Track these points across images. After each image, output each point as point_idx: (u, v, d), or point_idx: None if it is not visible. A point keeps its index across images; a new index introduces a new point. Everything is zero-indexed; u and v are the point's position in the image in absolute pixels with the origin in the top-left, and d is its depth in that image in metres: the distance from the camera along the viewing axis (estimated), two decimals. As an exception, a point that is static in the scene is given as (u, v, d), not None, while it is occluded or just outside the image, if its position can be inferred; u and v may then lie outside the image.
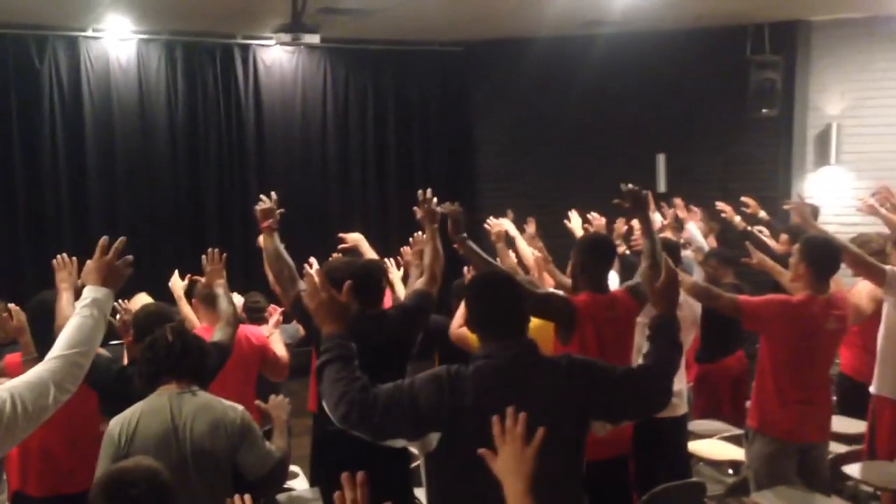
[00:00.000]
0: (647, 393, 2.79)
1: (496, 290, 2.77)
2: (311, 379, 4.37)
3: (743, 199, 6.65)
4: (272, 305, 5.27)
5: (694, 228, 6.64)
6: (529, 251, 5.63)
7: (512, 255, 5.49)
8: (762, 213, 6.64)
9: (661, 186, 9.05)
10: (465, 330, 4.07)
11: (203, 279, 4.54)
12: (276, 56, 9.51)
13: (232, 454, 3.10)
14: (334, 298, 2.64)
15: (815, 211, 6.10)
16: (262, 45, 9.36)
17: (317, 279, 2.69)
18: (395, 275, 5.41)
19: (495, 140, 10.17)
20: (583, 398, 2.64)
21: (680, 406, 4.62)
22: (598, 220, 6.00)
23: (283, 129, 9.60)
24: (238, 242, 8.66)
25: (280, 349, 4.88)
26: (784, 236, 6.01)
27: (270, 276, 4.87)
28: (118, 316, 4.05)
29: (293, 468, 4.35)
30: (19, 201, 8.41)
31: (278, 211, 4.16)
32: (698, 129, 9.29)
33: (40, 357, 2.63)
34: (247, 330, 4.68)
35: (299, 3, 6.56)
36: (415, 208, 4.35)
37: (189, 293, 5.05)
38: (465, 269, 4.77)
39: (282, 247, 4.07)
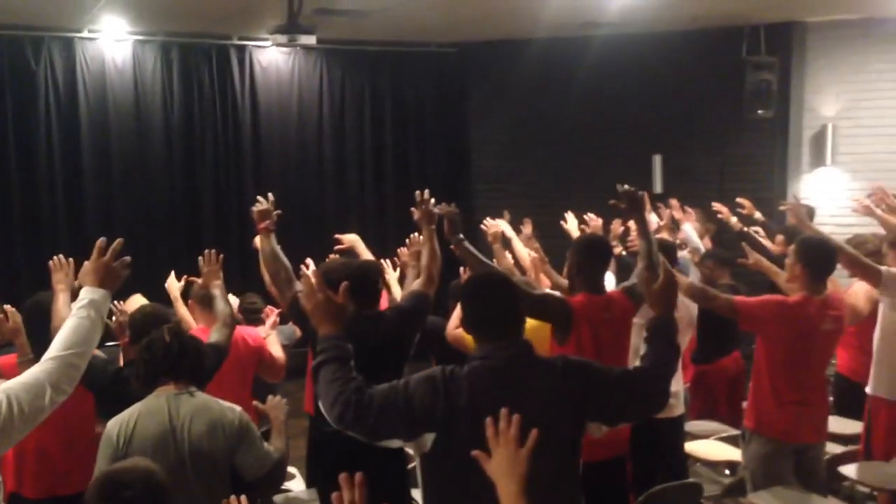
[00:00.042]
0: (645, 395, 2.79)
1: (491, 291, 2.77)
2: (307, 380, 4.37)
3: (738, 200, 6.66)
4: (269, 307, 5.27)
5: (690, 229, 6.64)
6: (526, 252, 5.63)
7: (508, 255, 5.49)
8: (757, 214, 6.65)
9: (658, 187, 9.06)
10: (461, 331, 4.07)
11: (199, 280, 4.54)
12: (272, 57, 9.50)
13: (230, 455, 3.10)
14: (331, 300, 2.64)
15: (810, 212, 6.09)
16: (259, 47, 9.35)
17: (313, 280, 2.69)
18: (392, 276, 5.41)
19: (492, 141, 10.17)
20: (578, 399, 2.64)
21: (677, 407, 4.62)
22: (594, 221, 6.01)
23: (280, 131, 9.59)
24: (234, 243, 8.65)
25: (277, 350, 4.88)
26: (780, 237, 6.02)
27: (266, 277, 4.87)
28: (114, 317, 4.05)
29: (290, 469, 4.34)
30: (15, 202, 8.40)
31: (275, 212, 4.16)
32: (694, 130, 9.31)
33: (36, 358, 2.62)
34: (243, 331, 4.67)
35: (295, 4, 6.55)
36: (412, 209, 4.35)
37: (185, 294, 5.05)
38: (462, 269, 4.77)
39: (278, 248, 4.07)
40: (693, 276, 5.75)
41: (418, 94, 10.20)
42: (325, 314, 2.64)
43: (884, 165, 8.52)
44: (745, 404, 4.62)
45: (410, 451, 2.95)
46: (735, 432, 5.04)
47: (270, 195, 4.22)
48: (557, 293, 4.46)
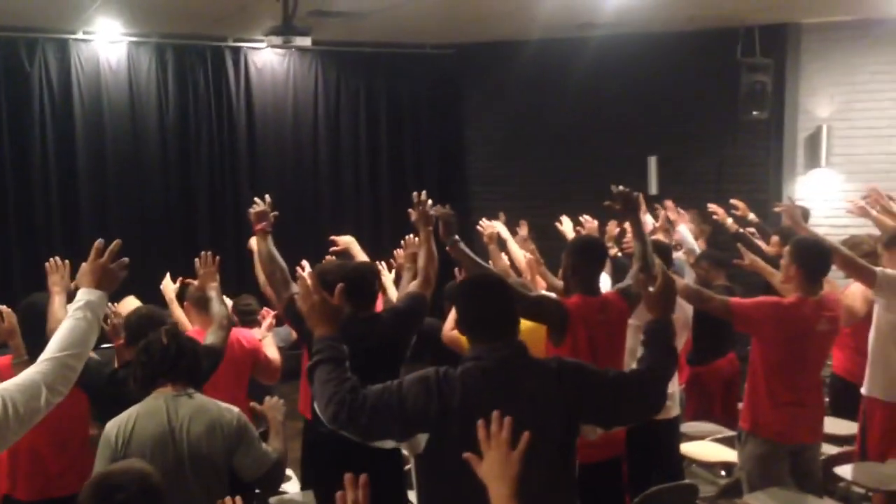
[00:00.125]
0: (641, 398, 2.78)
1: (486, 292, 2.77)
2: (301, 382, 4.37)
3: (732, 201, 6.67)
4: (265, 309, 5.26)
5: (685, 231, 6.65)
6: (521, 253, 5.63)
7: (504, 257, 5.50)
8: (751, 216, 6.66)
9: (653, 188, 9.07)
10: (457, 332, 4.07)
11: (195, 282, 4.53)
12: (267, 58, 9.49)
13: (228, 456, 3.10)
14: (326, 301, 2.65)
15: (805, 213, 6.11)
16: (253, 48, 9.35)
17: (309, 282, 2.69)
18: (387, 277, 5.41)
19: (487, 142, 10.17)
20: (573, 401, 2.64)
21: (672, 408, 4.63)
22: (590, 222, 6.01)
23: (275, 132, 9.58)
24: (230, 245, 8.62)
25: (273, 352, 4.87)
26: (775, 238, 6.03)
27: (261, 279, 4.87)
28: (108, 320, 4.04)
29: (287, 471, 4.34)
30: (9, 203, 8.37)
31: (272, 214, 4.15)
32: (690, 132, 9.31)
33: (31, 360, 2.62)
34: (239, 333, 4.66)
35: (290, 5, 6.55)
36: (409, 210, 4.35)
37: (181, 296, 5.04)
38: (456, 270, 4.77)
39: (275, 250, 4.06)
40: (688, 278, 5.75)
41: (414, 96, 10.19)
42: (321, 316, 2.64)
43: (878, 167, 8.55)
44: (740, 405, 4.63)
45: (405, 451, 2.95)
46: (731, 433, 5.05)
47: (267, 197, 4.21)
48: (553, 295, 4.46)
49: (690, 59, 8.94)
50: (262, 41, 8.48)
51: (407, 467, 3.94)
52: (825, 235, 4.75)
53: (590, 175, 8.78)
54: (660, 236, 6.04)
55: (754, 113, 8.78)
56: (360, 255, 5.46)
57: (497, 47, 9.55)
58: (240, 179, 9.36)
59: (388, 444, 2.66)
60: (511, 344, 2.66)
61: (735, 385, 5.83)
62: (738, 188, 8.35)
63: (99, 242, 2.71)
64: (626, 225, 5.44)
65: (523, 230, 7.03)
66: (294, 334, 5.24)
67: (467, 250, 4.00)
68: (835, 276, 4.88)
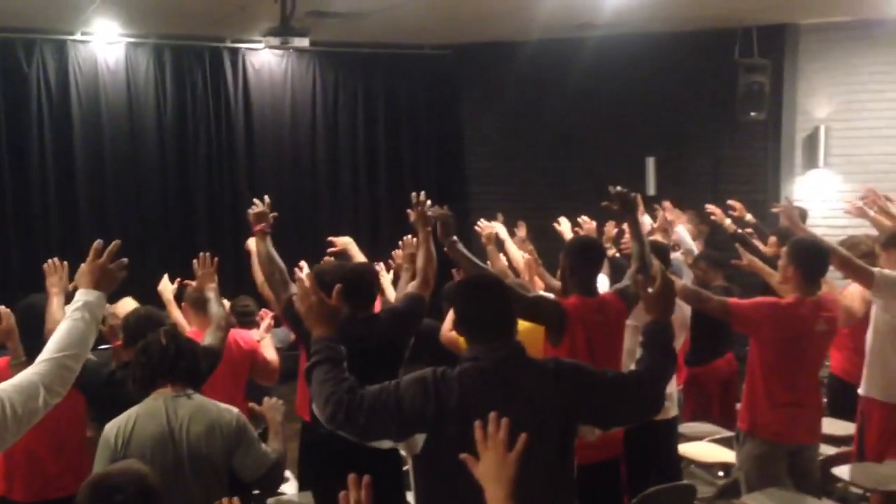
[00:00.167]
0: (640, 398, 2.78)
1: (484, 293, 2.77)
2: (299, 383, 4.36)
3: (729, 202, 6.68)
4: (263, 310, 5.26)
5: (683, 231, 6.65)
6: (519, 254, 5.63)
7: (502, 257, 5.49)
8: (749, 216, 6.67)
9: (651, 189, 9.07)
10: (455, 333, 4.07)
11: (193, 283, 4.52)
12: (265, 59, 9.49)
13: (228, 456, 3.10)
14: (324, 302, 2.65)
15: (802, 214, 6.12)
16: (251, 49, 9.34)
17: (307, 283, 2.69)
18: (386, 278, 5.41)
19: (485, 143, 10.16)
20: (571, 402, 2.64)
21: (670, 409, 4.63)
22: (588, 223, 6.01)
23: (273, 133, 9.57)
24: (228, 245, 8.60)
25: (271, 353, 4.86)
26: (773, 238, 6.03)
27: (258, 279, 4.86)
28: (106, 321, 4.03)
29: (285, 472, 4.34)
30: (7, 204, 8.36)
31: (271, 215, 4.15)
32: (687, 132, 9.32)
33: (28, 361, 2.61)
34: (236, 334, 4.66)
35: (288, 6, 6.55)
36: (408, 211, 4.35)
37: (178, 297, 5.03)
38: (454, 270, 4.77)
39: (274, 250, 4.06)
40: (686, 278, 5.75)
41: (412, 96, 10.19)
42: (319, 316, 2.64)
43: (876, 167, 8.56)
44: (738, 406, 4.63)
45: (403, 452, 2.95)
46: (729, 434, 5.05)
47: (266, 197, 4.21)
48: (551, 295, 4.46)
49: (688, 59, 8.95)
50: (259, 42, 8.47)
51: (405, 468, 3.95)
52: (823, 236, 4.75)
53: (588, 175, 8.79)
54: (658, 237, 6.05)
55: (752, 113, 8.79)
56: (359, 256, 5.46)
57: (495, 47, 9.55)
58: (238, 180, 9.36)
59: (386, 444, 2.67)
60: (509, 345, 2.66)
61: (733, 385, 5.84)
62: (736, 189, 8.36)
63: (98, 243, 2.71)
64: (624, 225, 5.46)
65: (521, 231, 7.02)
66: (292, 335, 5.23)
67: (465, 251, 4.01)
68: (833, 276, 4.88)
